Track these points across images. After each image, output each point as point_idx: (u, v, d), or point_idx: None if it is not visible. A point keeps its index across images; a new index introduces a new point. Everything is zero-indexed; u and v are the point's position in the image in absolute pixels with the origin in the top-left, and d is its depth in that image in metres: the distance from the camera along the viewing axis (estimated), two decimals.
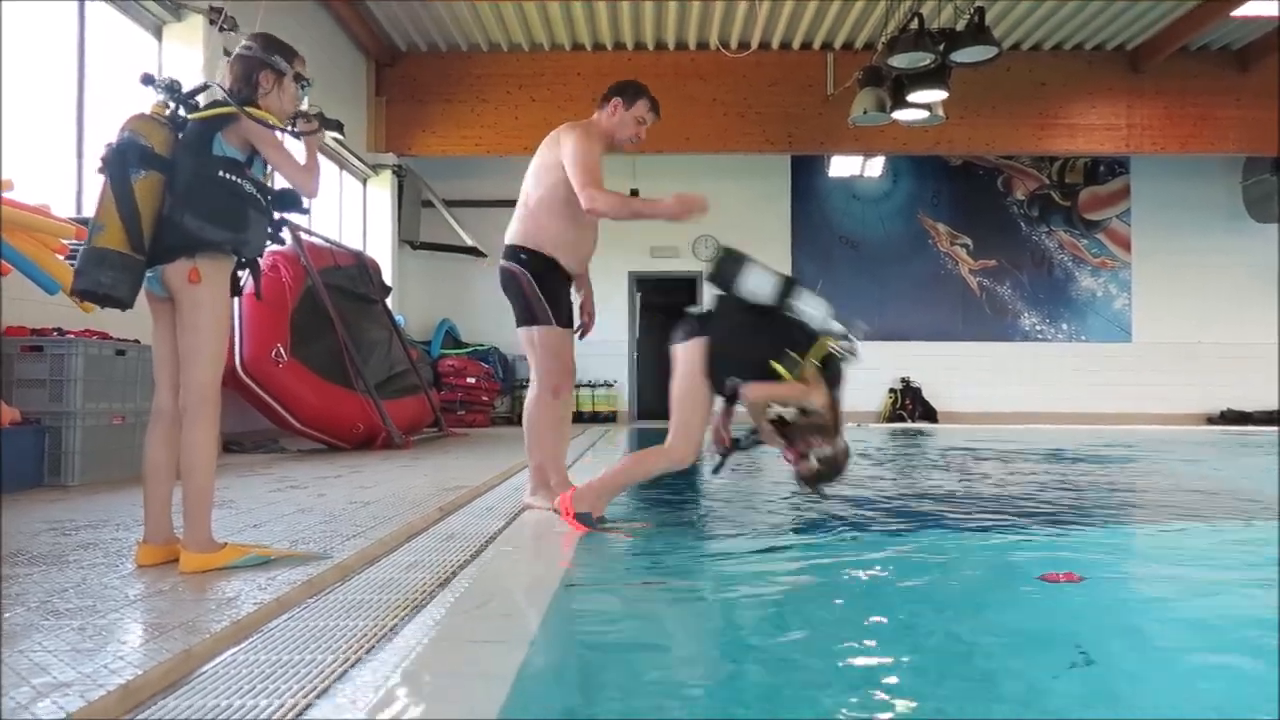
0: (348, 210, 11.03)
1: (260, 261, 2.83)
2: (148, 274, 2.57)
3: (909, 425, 12.63)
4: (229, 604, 2.18)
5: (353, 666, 1.75)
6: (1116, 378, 13.32)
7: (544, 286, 3.75)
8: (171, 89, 2.65)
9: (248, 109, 2.60)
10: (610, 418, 13.09)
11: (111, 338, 5.07)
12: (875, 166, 13.16)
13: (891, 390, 13.41)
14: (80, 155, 6.00)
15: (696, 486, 4.70)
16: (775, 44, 11.36)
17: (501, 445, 7.88)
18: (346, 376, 7.29)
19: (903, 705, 1.64)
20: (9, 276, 4.33)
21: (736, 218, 13.54)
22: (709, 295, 3.34)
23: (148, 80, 2.67)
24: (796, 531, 3.43)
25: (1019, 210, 13.75)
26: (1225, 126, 11.57)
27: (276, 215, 2.78)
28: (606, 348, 12.88)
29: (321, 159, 2.84)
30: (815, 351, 3.10)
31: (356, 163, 10.90)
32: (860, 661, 1.89)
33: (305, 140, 2.79)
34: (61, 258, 4.49)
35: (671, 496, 4.29)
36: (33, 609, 2.10)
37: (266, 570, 2.53)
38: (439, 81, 11.48)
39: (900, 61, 8.72)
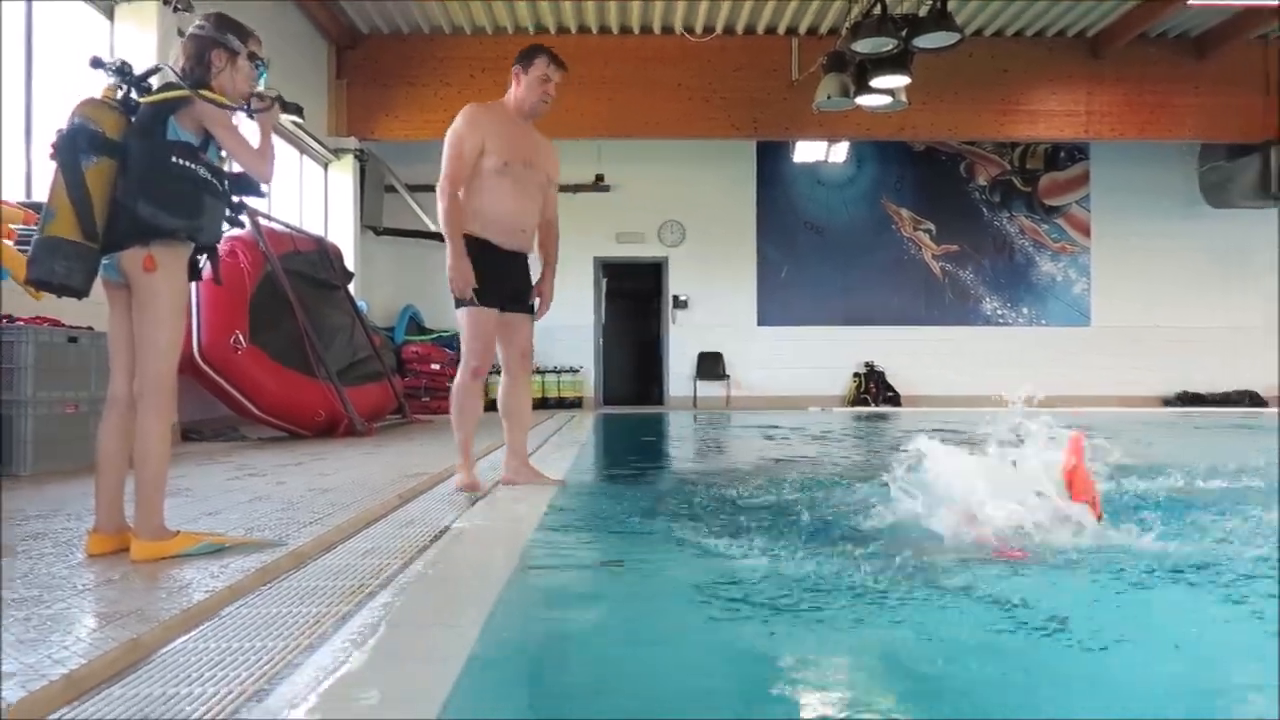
0: (309, 195, 10.87)
1: (218, 247, 2.79)
2: (104, 261, 2.53)
3: (873, 409, 12.75)
4: (180, 592, 2.16)
5: (303, 652, 1.74)
6: (1076, 360, 13.52)
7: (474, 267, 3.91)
8: (122, 72, 2.60)
9: (201, 91, 2.56)
10: (576, 403, 13.06)
11: (64, 324, 4.97)
12: (839, 152, 13.23)
13: (855, 374, 13.51)
14: (29, 139, 5.86)
15: (664, 464, 4.71)
16: (740, 29, 11.34)
17: None
18: (307, 363, 7.22)
19: (872, 687, 1.66)
20: None
21: (702, 203, 13.63)
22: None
23: (97, 63, 2.62)
24: (757, 514, 3.45)
25: (981, 196, 13.89)
26: (1183, 113, 11.74)
27: (235, 199, 2.75)
28: (572, 333, 12.87)
29: (279, 143, 2.81)
30: None
31: (317, 147, 10.75)
32: (821, 638, 1.91)
33: (259, 121, 2.75)
34: (10, 243, 4.40)
35: (633, 473, 4.30)
36: None
37: (220, 558, 2.51)
38: (401, 65, 11.34)
39: (864, 47, 8.77)
